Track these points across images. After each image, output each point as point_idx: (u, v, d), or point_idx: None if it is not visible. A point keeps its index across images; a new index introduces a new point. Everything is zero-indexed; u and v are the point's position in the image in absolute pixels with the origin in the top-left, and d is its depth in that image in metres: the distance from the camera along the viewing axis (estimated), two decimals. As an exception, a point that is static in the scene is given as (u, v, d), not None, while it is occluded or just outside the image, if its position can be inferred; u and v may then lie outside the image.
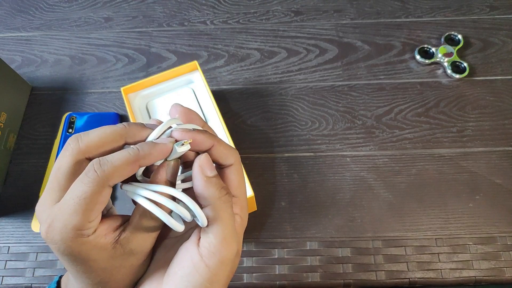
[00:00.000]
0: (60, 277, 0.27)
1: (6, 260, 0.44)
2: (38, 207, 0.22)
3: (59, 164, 0.22)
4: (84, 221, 0.20)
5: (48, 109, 0.52)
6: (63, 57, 0.57)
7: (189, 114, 0.25)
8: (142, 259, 0.23)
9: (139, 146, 0.22)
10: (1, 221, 0.46)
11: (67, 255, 0.21)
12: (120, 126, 0.22)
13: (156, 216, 0.21)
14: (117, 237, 0.22)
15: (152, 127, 0.23)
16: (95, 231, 0.21)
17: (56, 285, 0.26)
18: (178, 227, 0.21)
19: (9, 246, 0.44)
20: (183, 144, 0.22)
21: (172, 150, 0.22)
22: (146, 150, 0.21)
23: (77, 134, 0.22)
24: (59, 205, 0.21)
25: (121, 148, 0.23)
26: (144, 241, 0.22)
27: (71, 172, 0.22)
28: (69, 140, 0.22)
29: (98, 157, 0.21)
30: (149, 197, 0.21)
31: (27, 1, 0.62)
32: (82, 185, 0.20)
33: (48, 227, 0.21)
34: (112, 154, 0.21)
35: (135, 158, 0.21)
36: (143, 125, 0.23)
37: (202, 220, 0.22)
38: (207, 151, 0.23)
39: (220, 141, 0.24)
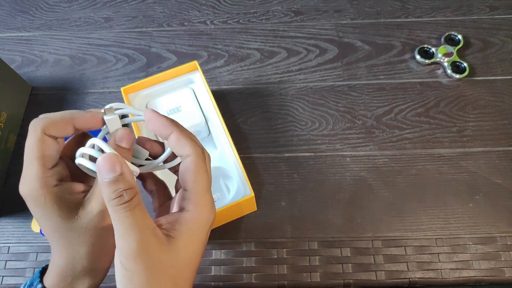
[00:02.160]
0: (45, 266, 0.27)
1: (6, 260, 0.44)
2: (20, 185, 0.25)
3: (26, 144, 0.25)
4: (41, 168, 0.24)
5: (48, 109, 0.52)
6: (63, 57, 0.57)
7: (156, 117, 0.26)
8: (101, 221, 0.25)
9: (75, 110, 0.25)
10: (1, 221, 0.46)
11: (39, 206, 0.24)
12: (84, 111, 0.26)
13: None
14: (81, 199, 0.25)
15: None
16: (60, 185, 0.24)
17: (39, 274, 0.26)
18: (92, 173, 0.25)
19: (9, 246, 0.44)
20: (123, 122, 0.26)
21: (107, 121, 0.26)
22: (80, 113, 0.25)
23: (41, 115, 0.26)
24: (24, 167, 0.24)
25: (70, 130, 0.26)
26: (100, 201, 0.24)
27: (38, 149, 0.24)
28: (31, 122, 0.25)
29: (59, 134, 0.25)
30: (82, 151, 0.24)
31: (27, 1, 0.62)
32: (30, 139, 0.24)
33: (21, 187, 0.24)
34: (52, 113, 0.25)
35: (70, 116, 0.25)
36: (96, 111, 0.27)
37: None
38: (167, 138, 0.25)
39: (181, 130, 0.25)
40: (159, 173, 0.32)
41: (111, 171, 0.22)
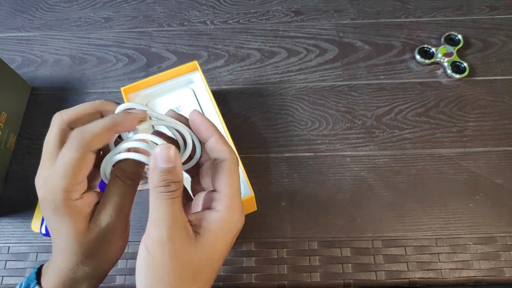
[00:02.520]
0: (40, 267, 0.27)
1: (6, 260, 0.44)
2: (36, 178, 0.25)
3: (48, 137, 0.25)
4: (72, 183, 0.23)
5: (48, 109, 0.52)
6: (63, 57, 0.57)
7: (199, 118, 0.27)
8: (118, 237, 0.25)
9: (115, 115, 0.25)
10: (1, 221, 0.46)
11: (57, 215, 0.24)
12: (97, 101, 0.27)
13: (119, 191, 0.25)
14: (92, 211, 0.25)
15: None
16: (81, 198, 0.24)
17: (35, 275, 0.26)
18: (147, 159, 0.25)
19: (9, 246, 0.44)
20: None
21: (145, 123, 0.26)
22: (120, 118, 0.24)
23: (61, 110, 0.26)
24: (51, 171, 0.24)
25: (97, 118, 0.26)
26: (114, 217, 0.25)
27: (58, 141, 0.25)
28: (54, 116, 0.26)
29: (99, 147, 0.24)
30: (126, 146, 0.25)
31: (27, 1, 0.62)
32: (68, 152, 0.23)
33: (41, 189, 0.24)
34: (91, 123, 0.24)
35: (111, 125, 0.24)
36: (117, 102, 0.27)
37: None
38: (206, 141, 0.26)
39: (220, 135, 0.26)
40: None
41: (167, 162, 0.23)
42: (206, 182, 0.29)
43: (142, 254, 0.23)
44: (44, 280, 0.26)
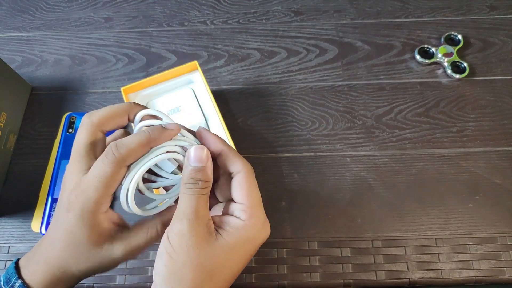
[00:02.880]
0: (17, 260, 0.27)
1: (6, 260, 0.44)
2: (65, 177, 0.26)
3: (78, 138, 0.26)
4: (104, 196, 0.24)
5: (48, 109, 0.52)
6: (63, 57, 0.57)
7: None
8: (116, 263, 0.26)
9: (150, 130, 0.25)
10: (1, 221, 0.46)
11: (80, 222, 0.24)
12: (125, 103, 0.27)
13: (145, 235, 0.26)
14: (112, 232, 0.26)
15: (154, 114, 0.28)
16: (107, 211, 0.25)
17: (14, 269, 0.26)
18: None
19: (9, 246, 0.44)
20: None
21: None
22: (156, 134, 0.25)
23: (90, 111, 0.27)
24: (84, 181, 0.24)
25: (125, 121, 0.27)
26: (128, 251, 0.26)
27: (88, 143, 0.26)
28: (83, 117, 0.26)
29: (109, 129, 0.26)
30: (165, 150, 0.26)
31: (27, 1, 0.62)
32: (103, 165, 0.24)
33: (71, 194, 0.24)
34: (126, 138, 0.25)
35: (147, 141, 0.25)
36: (144, 106, 0.28)
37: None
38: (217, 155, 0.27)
39: (230, 148, 0.27)
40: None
41: (199, 162, 0.25)
42: (223, 195, 0.29)
43: (164, 243, 0.24)
44: (25, 274, 0.26)
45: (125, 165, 0.24)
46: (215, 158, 0.27)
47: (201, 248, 0.24)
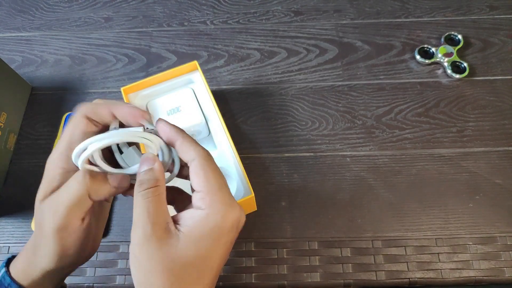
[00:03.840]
0: (7, 260, 0.28)
1: (6, 260, 0.44)
2: (49, 163, 0.26)
3: (67, 196, 0.25)
4: (73, 218, 0.25)
5: (48, 109, 0.52)
6: (63, 57, 0.57)
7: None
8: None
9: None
10: (1, 221, 0.46)
11: (49, 235, 0.24)
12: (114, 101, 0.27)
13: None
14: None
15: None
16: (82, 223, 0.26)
17: (5, 267, 0.27)
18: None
19: (9, 246, 0.44)
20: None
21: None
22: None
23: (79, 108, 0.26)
24: (57, 198, 0.25)
25: (108, 116, 0.27)
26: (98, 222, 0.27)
27: (77, 133, 0.26)
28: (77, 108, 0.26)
29: (96, 119, 0.26)
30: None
31: (27, 1, 0.62)
32: (68, 191, 0.25)
33: (45, 204, 0.25)
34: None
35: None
36: (128, 105, 0.27)
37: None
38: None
39: (183, 136, 0.26)
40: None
41: (146, 164, 0.25)
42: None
43: (130, 255, 0.24)
44: (13, 268, 0.26)
45: (91, 198, 0.25)
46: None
47: (163, 252, 0.23)
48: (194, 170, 0.25)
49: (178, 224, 0.24)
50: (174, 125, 0.27)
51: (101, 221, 0.29)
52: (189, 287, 0.23)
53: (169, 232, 0.23)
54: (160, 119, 0.27)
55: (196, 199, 0.25)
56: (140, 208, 0.23)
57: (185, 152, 0.25)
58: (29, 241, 0.27)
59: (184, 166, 0.28)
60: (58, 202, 0.24)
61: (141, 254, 0.23)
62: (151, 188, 0.24)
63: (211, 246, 0.24)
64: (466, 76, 0.52)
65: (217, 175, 0.25)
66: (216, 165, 0.26)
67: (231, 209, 0.25)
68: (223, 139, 0.44)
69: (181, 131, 0.26)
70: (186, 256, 0.23)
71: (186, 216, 0.25)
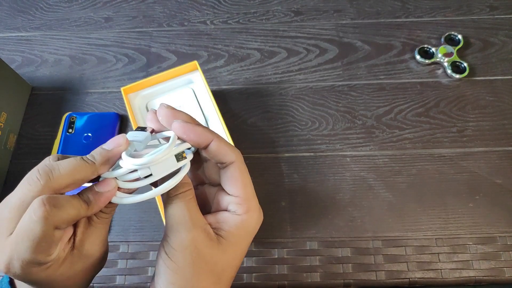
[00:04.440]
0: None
1: (6, 260, 0.43)
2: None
3: (19, 192, 0.20)
4: (42, 257, 0.20)
5: (48, 109, 0.52)
6: (63, 57, 0.57)
7: (177, 114, 0.24)
8: (99, 254, 0.24)
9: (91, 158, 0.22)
10: (1, 221, 0.46)
11: (33, 281, 0.21)
12: (89, 162, 0.21)
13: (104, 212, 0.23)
14: (72, 244, 0.22)
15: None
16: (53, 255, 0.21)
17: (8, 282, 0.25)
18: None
19: (9, 246, 0.44)
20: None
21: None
22: (99, 160, 0.22)
23: (47, 167, 0.20)
24: (13, 240, 0.19)
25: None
26: (95, 238, 0.23)
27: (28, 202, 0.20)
28: (36, 174, 0.20)
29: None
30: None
31: (27, 1, 0.62)
32: (31, 223, 0.19)
33: (7, 264, 0.20)
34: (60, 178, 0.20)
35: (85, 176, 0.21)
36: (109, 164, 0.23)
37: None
38: (206, 147, 0.24)
39: (219, 137, 0.24)
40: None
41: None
42: (210, 175, 0.27)
43: (162, 260, 0.23)
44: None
45: (56, 227, 0.20)
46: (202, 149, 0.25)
47: (206, 257, 0.23)
48: (232, 174, 0.24)
49: (214, 228, 0.24)
50: (200, 124, 0.24)
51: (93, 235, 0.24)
52: (226, 287, 0.24)
53: (211, 236, 0.23)
54: (176, 121, 0.23)
55: (232, 203, 0.25)
56: (179, 211, 0.23)
57: (224, 154, 0.24)
58: None
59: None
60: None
61: (183, 258, 0.22)
62: (187, 191, 0.24)
63: (243, 249, 0.25)
64: (466, 76, 0.52)
65: (250, 180, 0.25)
66: (246, 168, 0.25)
67: (260, 215, 0.26)
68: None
69: (211, 130, 0.25)
70: (227, 260, 0.24)
71: (224, 220, 0.24)
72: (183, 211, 0.23)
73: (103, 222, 0.23)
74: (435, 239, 0.43)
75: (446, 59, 0.53)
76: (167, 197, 0.23)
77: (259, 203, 0.41)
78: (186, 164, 0.24)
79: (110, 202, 0.23)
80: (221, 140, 0.24)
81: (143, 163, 0.21)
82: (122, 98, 0.46)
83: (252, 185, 0.25)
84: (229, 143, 0.25)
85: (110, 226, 0.45)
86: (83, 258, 0.23)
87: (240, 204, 0.24)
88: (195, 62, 0.46)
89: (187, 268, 0.22)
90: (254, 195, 0.25)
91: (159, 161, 0.21)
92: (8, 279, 0.26)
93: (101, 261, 0.25)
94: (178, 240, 0.22)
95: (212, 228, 0.24)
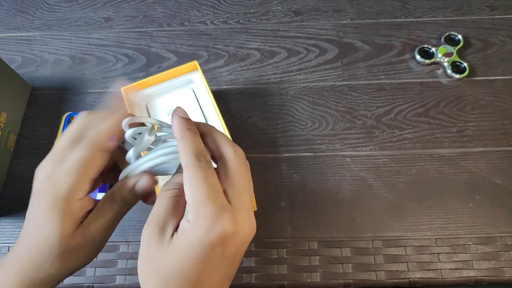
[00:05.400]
0: None
1: (6, 260, 0.44)
2: (38, 169, 0.25)
3: (66, 131, 0.26)
4: (80, 182, 0.24)
5: (48, 109, 0.52)
6: (63, 57, 0.57)
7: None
8: (96, 249, 0.26)
9: (123, 113, 0.26)
10: (1, 221, 0.46)
11: (51, 211, 0.24)
12: (116, 116, 0.26)
13: (112, 206, 0.26)
14: (83, 218, 0.25)
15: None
16: (81, 200, 0.24)
17: None
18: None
19: (9, 246, 0.44)
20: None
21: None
22: (126, 115, 0.26)
23: (90, 115, 0.26)
24: (60, 168, 0.24)
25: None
26: (102, 232, 0.25)
27: (73, 139, 0.25)
28: (80, 114, 0.26)
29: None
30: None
31: (27, 1, 0.62)
32: (81, 150, 0.24)
33: (44, 182, 0.24)
34: (102, 123, 0.26)
35: (117, 122, 0.26)
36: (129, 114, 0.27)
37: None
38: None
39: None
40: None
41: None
42: None
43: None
44: None
45: (102, 149, 0.25)
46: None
47: (154, 256, 0.23)
48: (183, 176, 0.23)
49: (175, 230, 0.23)
50: (184, 119, 0.26)
51: (110, 220, 0.27)
52: None
53: (165, 237, 0.23)
54: (176, 114, 0.26)
55: (186, 209, 0.24)
56: (154, 207, 0.24)
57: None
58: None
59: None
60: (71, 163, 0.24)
61: (140, 252, 0.23)
62: (169, 190, 0.24)
63: (200, 262, 0.22)
64: (466, 76, 0.52)
65: (205, 184, 0.23)
66: (203, 172, 0.23)
67: (218, 223, 0.22)
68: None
69: (186, 126, 0.25)
70: (172, 266, 0.22)
71: (180, 224, 0.23)
72: (155, 208, 0.24)
73: (113, 210, 0.26)
74: (435, 239, 0.43)
75: (446, 59, 0.53)
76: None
77: (259, 203, 0.41)
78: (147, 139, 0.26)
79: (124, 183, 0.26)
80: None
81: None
82: (122, 98, 0.46)
83: (210, 189, 0.22)
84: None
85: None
86: (83, 237, 0.25)
87: (189, 211, 0.23)
88: (195, 62, 0.46)
89: (141, 263, 0.23)
90: (208, 199, 0.22)
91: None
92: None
93: (92, 253, 0.26)
94: (144, 233, 0.24)
95: (175, 230, 0.23)
